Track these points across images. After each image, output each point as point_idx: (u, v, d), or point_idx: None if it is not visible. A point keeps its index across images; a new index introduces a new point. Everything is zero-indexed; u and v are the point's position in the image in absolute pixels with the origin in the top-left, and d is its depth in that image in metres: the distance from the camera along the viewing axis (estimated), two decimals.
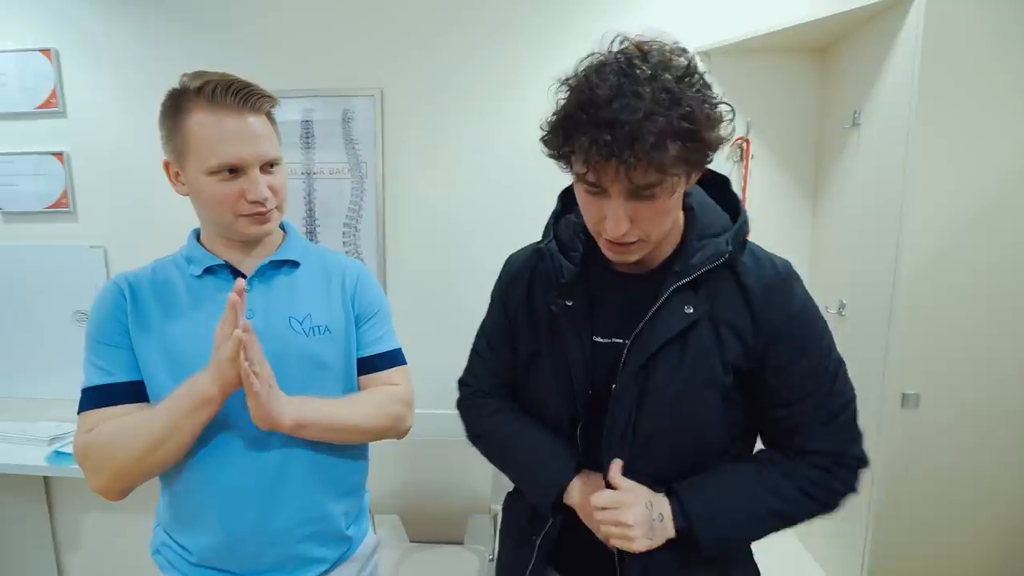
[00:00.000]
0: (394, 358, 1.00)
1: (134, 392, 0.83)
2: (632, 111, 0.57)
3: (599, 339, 0.76)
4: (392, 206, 1.74)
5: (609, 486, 0.73)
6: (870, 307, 1.31)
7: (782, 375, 0.70)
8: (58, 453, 1.68)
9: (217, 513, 0.85)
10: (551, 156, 0.70)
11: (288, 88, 1.68)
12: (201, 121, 0.80)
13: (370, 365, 0.98)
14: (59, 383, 1.88)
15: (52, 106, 1.75)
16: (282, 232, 0.96)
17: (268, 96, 0.84)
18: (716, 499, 0.72)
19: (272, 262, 0.91)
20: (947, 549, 1.33)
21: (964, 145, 1.19)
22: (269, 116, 0.86)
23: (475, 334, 0.96)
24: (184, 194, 0.86)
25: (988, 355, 1.25)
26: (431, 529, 1.71)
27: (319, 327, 0.91)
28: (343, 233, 1.75)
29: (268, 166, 0.84)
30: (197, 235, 0.93)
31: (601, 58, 0.64)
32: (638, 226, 0.65)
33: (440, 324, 1.74)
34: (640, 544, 0.69)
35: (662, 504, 0.71)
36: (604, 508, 0.70)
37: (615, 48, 0.64)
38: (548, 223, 0.84)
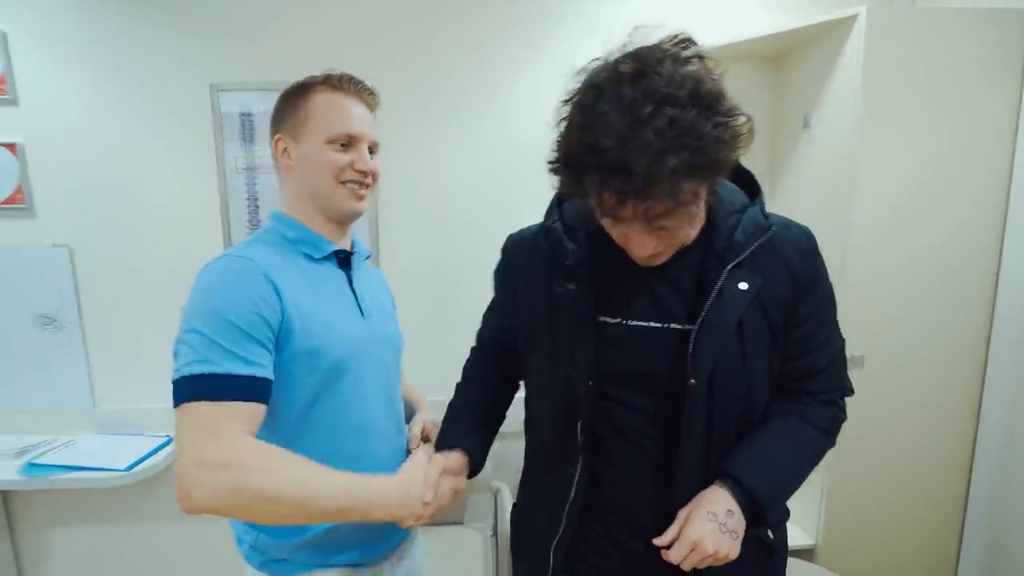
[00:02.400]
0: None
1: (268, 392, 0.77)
2: (641, 153, 0.55)
3: (630, 322, 0.73)
4: (385, 200, 1.77)
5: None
6: None
7: (808, 325, 0.74)
8: (32, 465, 1.58)
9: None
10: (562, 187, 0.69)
11: (278, 81, 1.66)
12: (326, 99, 0.88)
13: None
14: (23, 394, 1.75)
15: (1, 93, 1.62)
16: None
17: (375, 94, 0.95)
18: (764, 466, 0.72)
19: (361, 254, 0.99)
20: (891, 489, 1.56)
21: (898, 142, 1.41)
22: (371, 109, 0.94)
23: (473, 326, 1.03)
24: (287, 168, 0.90)
25: (922, 320, 1.49)
26: None
27: (393, 313, 1.04)
28: None
29: (372, 148, 0.92)
30: (283, 216, 0.91)
31: (598, 82, 0.61)
32: (664, 241, 0.66)
33: (433, 315, 1.80)
34: (734, 551, 0.68)
35: (720, 501, 0.70)
36: (684, 556, 0.67)
37: (616, 57, 0.61)
38: (552, 203, 0.81)
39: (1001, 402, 1.45)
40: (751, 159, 0.70)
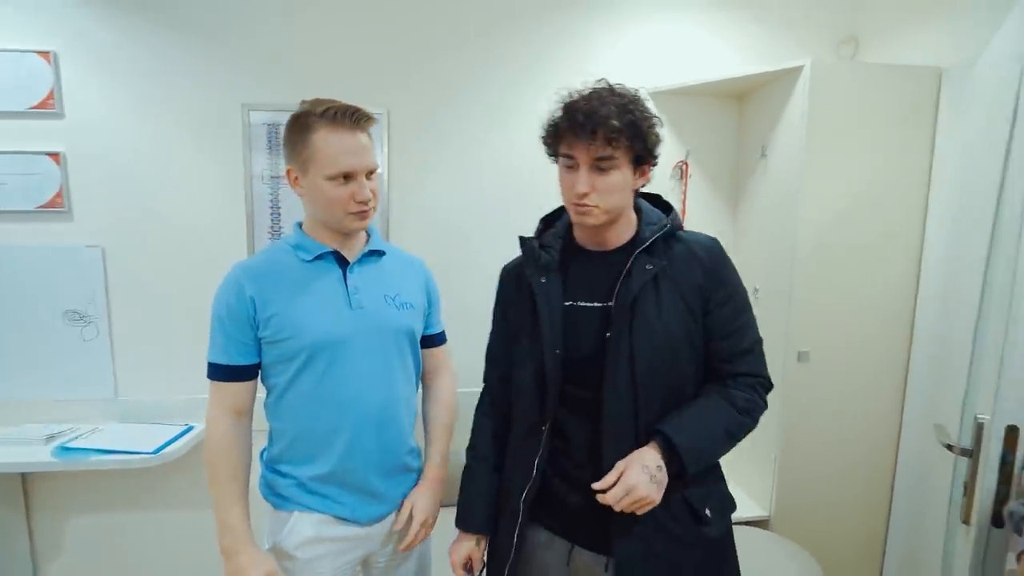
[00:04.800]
0: (444, 337, 1.31)
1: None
2: (597, 108, 0.87)
3: (580, 303, 0.97)
4: (396, 212, 1.97)
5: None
6: (776, 288, 1.79)
7: (725, 309, 0.96)
8: (65, 448, 1.69)
9: (343, 443, 1.07)
10: (547, 149, 0.98)
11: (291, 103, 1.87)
12: (324, 138, 1.00)
13: (432, 341, 1.27)
14: (47, 384, 1.87)
15: (49, 107, 1.78)
16: (367, 232, 1.18)
17: (372, 118, 1.06)
18: (689, 429, 0.90)
19: (369, 252, 1.14)
20: (834, 465, 1.80)
21: (837, 169, 1.67)
22: (368, 133, 1.06)
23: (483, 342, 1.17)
24: (300, 195, 1.07)
25: (856, 318, 1.76)
26: None
27: (406, 303, 1.16)
28: None
29: (370, 174, 1.05)
30: (299, 226, 1.13)
31: (579, 88, 0.95)
32: (596, 192, 0.90)
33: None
34: (658, 498, 0.86)
35: (651, 457, 0.87)
36: (620, 497, 0.84)
37: (590, 81, 0.96)
38: (538, 226, 1.08)
39: (922, 387, 1.72)
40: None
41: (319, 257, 1.08)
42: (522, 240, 1.05)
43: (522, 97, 1.96)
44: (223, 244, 1.90)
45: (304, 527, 1.07)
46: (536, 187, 1.96)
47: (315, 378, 1.05)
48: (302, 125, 1.02)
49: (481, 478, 1.10)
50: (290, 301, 1.04)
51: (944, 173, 1.68)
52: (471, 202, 2.00)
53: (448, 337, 1.32)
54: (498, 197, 1.99)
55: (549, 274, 1.00)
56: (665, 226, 0.97)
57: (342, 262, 1.10)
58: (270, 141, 1.91)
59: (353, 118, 1.02)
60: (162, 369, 1.92)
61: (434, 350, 1.28)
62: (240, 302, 1.03)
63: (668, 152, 2.04)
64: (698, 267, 0.96)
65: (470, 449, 1.14)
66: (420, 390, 1.28)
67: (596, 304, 0.96)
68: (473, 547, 1.08)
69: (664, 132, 2.09)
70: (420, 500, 1.15)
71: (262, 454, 1.15)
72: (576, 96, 0.93)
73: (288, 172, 1.06)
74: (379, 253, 1.16)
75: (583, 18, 1.96)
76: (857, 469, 1.81)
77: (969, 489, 1.10)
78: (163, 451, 1.72)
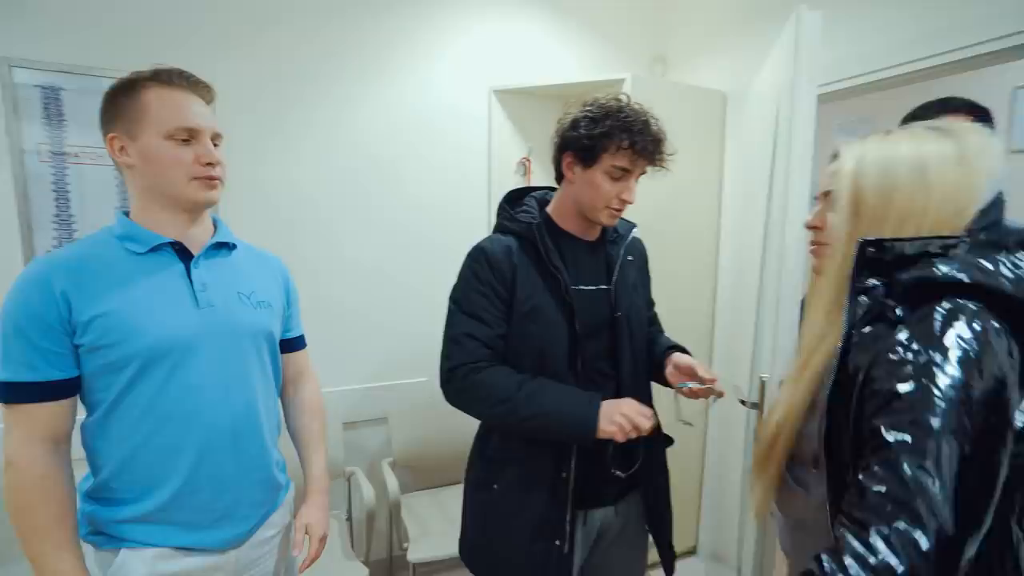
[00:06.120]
0: (304, 340, 1.21)
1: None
2: (659, 136, 1.03)
3: (582, 286, 1.09)
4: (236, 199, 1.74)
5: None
6: None
7: (649, 288, 1.26)
8: None
9: (188, 461, 0.91)
10: (583, 154, 1.03)
11: (74, 63, 1.54)
12: (159, 94, 0.88)
13: (293, 344, 1.17)
14: None
15: None
16: (212, 224, 1.02)
17: (210, 87, 0.94)
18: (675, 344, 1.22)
19: (215, 243, 0.98)
20: None
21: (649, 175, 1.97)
22: (207, 102, 0.94)
23: (447, 324, 1.10)
24: (127, 167, 0.90)
25: (672, 306, 2.08)
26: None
27: (263, 302, 1.03)
28: None
29: (215, 139, 0.93)
30: (125, 215, 0.93)
31: (606, 102, 1.03)
32: (634, 194, 1.07)
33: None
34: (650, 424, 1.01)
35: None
36: (633, 426, 0.98)
37: (599, 96, 1.06)
38: (504, 219, 1.13)
39: (725, 355, 2.10)
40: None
41: (154, 250, 0.91)
42: (515, 222, 1.11)
43: (375, 82, 1.90)
44: None
45: (132, 569, 0.90)
46: (381, 179, 1.92)
47: (152, 390, 0.88)
48: (127, 86, 0.89)
49: (553, 384, 1.04)
50: (118, 300, 0.86)
51: (732, 182, 2.05)
52: (327, 187, 1.87)
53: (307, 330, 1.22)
54: (355, 181, 1.90)
55: (558, 258, 1.08)
56: (633, 226, 1.20)
57: (184, 255, 0.94)
58: (47, 108, 1.55)
59: (190, 81, 0.91)
60: None
61: (295, 355, 1.17)
62: (47, 303, 0.83)
63: (512, 149, 2.15)
64: (640, 257, 1.22)
65: (513, 391, 1.02)
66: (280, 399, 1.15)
67: (601, 287, 1.12)
68: (631, 401, 1.03)
69: (508, 130, 2.20)
70: (314, 516, 1.08)
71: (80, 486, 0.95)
72: (634, 117, 1.01)
73: (111, 140, 0.89)
74: (229, 246, 1.02)
75: (431, 7, 1.96)
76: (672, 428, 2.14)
77: (757, 435, 1.38)
78: None
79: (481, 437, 1.19)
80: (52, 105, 1.56)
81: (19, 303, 0.83)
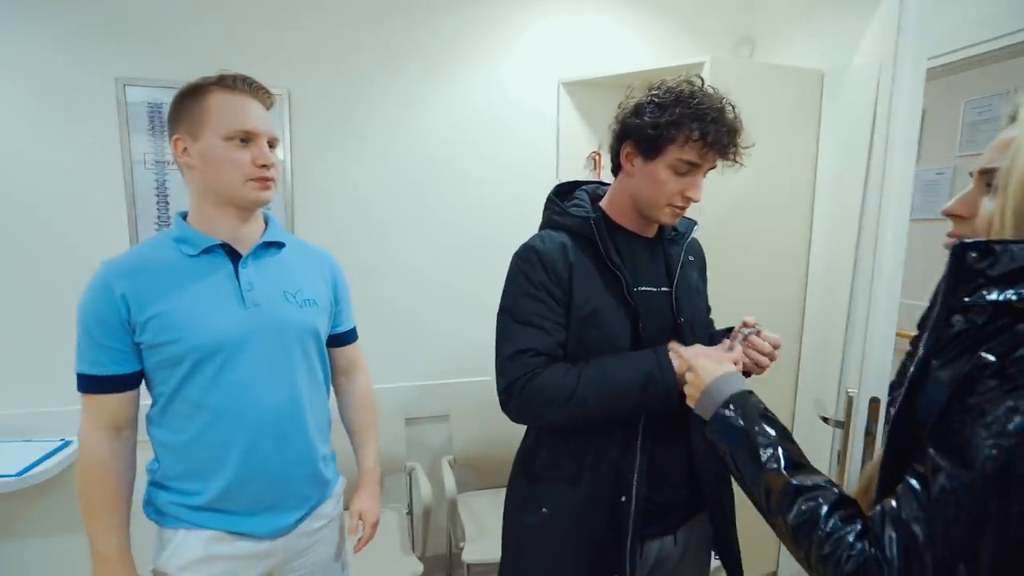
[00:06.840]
0: (355, 334, 1.23)
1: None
2: (735, 128, 0.90)
3: (643, 288, 0.99)
4: (301, 199, 1.85)
5: None
6: None
7: (707, 289, 1.14)
8: None
9: (237, 454, 0.96)
10: (643, 136, 0.92)
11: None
12: (222, 98, 0.93)
13: (342, 339, 1.19)
14: None
15: None
16: (264, 221, 1.07)
17: (270, 93, 0.98)
18: None
19: (264, 243, 1.02)
20: None
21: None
22: (267, 107, 0.98)
23: (498, 340, 0.99)
24: (188, 167, 0.95)
25: (758, 312, 1.89)
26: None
27: (309, 300, 1.05)
28: None
29: (271, 143, 0.97)
30: (183, 217, 0.99)
31: (678, 87, 0.91)
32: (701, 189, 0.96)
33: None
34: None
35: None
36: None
37: (671, 79, 0.94)
38: (554, 213, 1.04)
39: (811, 369, 1.88)
40: None
41: (206, 251, 0.97)
42: (568, 216, 1.01)
43: (429, 87, 1.90)
44: (101, 238, 1.70)
45: (190, 546, 0.97)
46: (447, 177, 1.93)
47: (203, 386, 0.94)
48: (193, 90, 0.94)
49: (609, 358, 0.95)
50: (172, 301, 0.93)
51: (828, 171, 1.82)
52: (382, 191, 1.92)
53: (359, 334, 1.23)
54: (412, 185, 1.92)
55: (619, 261, 0.98)
56: (693, 224, 1.09)
57: (233, 256, 0.99)
58: (152, 121, 1.73)
59: (252, 86, 0.96)
60: (34, 379, 1.69)
61: (345, 348, 1.20)
62: (109, 304, 0.90)
63: (581, 143, 2.07)
64: (699, 258, 1.13)
65: (573, 385, 0.92)
66: (332, 393, 1.19)
67: (663, 289, 1.02)
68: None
69: (577, 124, 2.11)
70: (366, 504, 1.15)
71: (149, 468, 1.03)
72: (708, 104, 0.89)
73: (175, 143, 0.94)
74: (278, 245, 1.06)
75: (495, 4, 1.94)
76: None
77: (842, 458, 1.20)
78: (27, 473, 1.52)
79: (527, 451, 1.07)
80: (156, 117, 1.73)
81: (86, 304, 0.92)
